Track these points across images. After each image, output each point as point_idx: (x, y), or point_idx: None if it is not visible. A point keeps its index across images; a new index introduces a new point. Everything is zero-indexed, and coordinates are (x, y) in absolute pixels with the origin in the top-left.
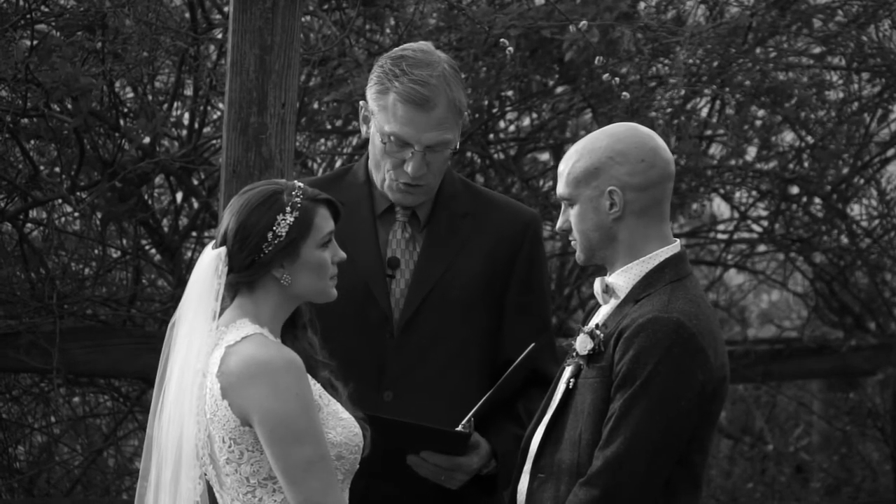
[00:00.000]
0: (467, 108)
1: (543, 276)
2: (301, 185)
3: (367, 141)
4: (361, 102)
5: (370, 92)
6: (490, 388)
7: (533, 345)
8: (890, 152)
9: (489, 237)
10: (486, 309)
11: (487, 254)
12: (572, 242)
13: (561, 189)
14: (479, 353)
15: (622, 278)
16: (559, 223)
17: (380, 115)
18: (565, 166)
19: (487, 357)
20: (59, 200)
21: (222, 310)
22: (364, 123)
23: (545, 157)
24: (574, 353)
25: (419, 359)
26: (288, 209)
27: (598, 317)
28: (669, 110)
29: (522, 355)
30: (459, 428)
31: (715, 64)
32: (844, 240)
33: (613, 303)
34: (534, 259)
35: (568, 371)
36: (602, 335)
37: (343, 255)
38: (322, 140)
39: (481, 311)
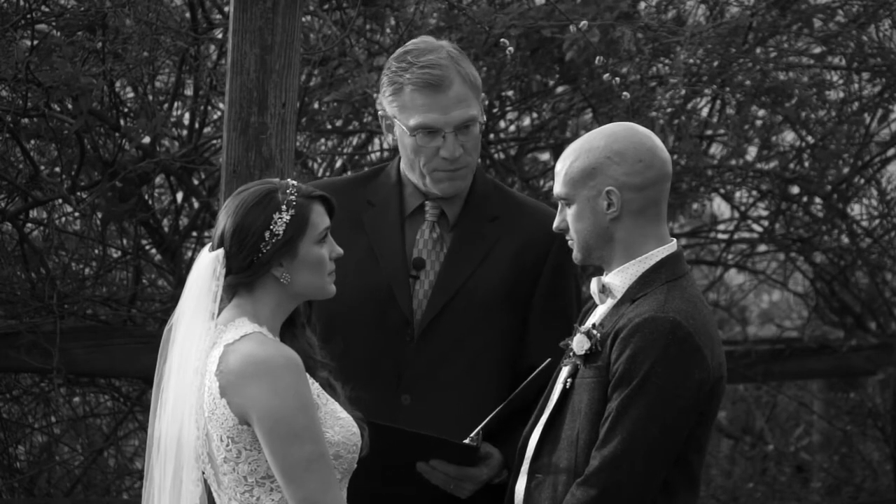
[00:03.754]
0: (482, 86)
1: (571, 284)
2: (295, 182)
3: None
4: (380, 113)
5: (385, 100)
6: (506, 396)
7: (549, 360)
8: (890, 152)
9: (517, 241)
10: (509, 313)
11: (514, 258)
12: (569, 242)
13: (558, 189)
14: (500, 357)
15: (619, 278)
16: (556, 223)
17: (401, 115)
18: (562, 166)
19: (508, 362)
20: (60, 200)
21: (220, 310)
22: (388, 132)
23: (545, 157)
24: (571, 353)
25: (438, 362)
26: (283, 207)
27: (595, 317)
28: (670, 110)
29: (537, 370)
30: (467, 441)
31: (715, 64)
32: (845, 240)
33: (610, 303)
34: (562, 266)
35: (565, 371)
36: (599, 335)
37: (340, 250)
38: (322, 140)
39: (504, 316)
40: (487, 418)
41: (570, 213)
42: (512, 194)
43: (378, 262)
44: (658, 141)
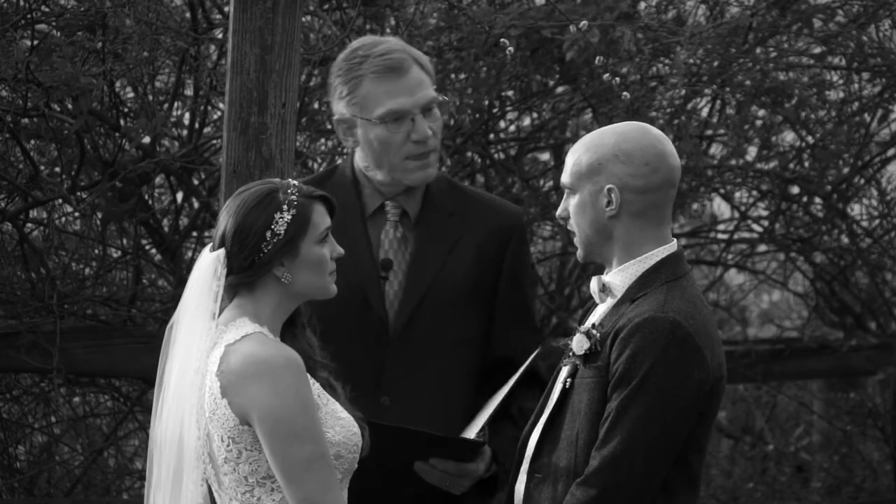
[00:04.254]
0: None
1: (529, 273)
2: (296, 182)
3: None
4: (335, 118)
5: (341, 102)
6: (489, 392)
7: (539, 350)
8: (890, 152)
9: (477, 236)
10: (478, 308)
11: (476, 253)
12: (573, 237)
13: (564, 177)
14: (473, 353)
15: (618, 277)
16: (559, 210)
17: (364, 110)
18: (572, 157)
19: (480, 357)
20: (60, 200)
21: (221, 310)
22: (349, 136)
23: (546, 157)
24: (570, 353)
25: (416, 362)
26: (285, 207)
27: (595, 316)
28: (670, 110)
29: (529, 360)
30: (473, 436)
31: (715, 64)
32: (845, 240)
33: (610, 302)
34: (521, 256)
35: (565, 371)
36: (598, 335)
37: (341, 250)
38: (322, 140)
39: (474, 311)
40: (490, 412)
41: (572, 203)
42: (466, 189)
43: (347, 266)
44: (670, 147)
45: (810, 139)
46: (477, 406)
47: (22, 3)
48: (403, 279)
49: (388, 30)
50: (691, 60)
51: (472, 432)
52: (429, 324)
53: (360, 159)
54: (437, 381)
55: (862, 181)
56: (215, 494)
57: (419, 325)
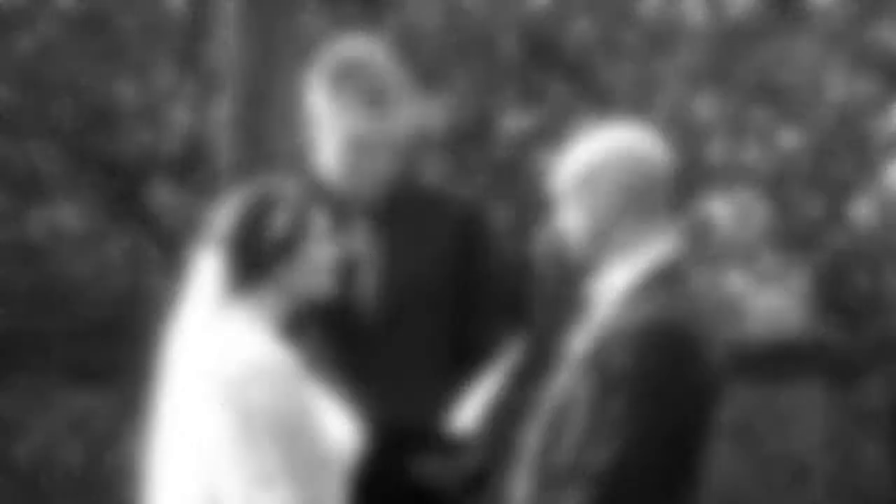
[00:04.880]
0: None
1: (499, 260)
2: (296, 183)
3: None
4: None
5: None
6: (467, 383)
7: (524, 343)
8: (890, 152)
9: (445, 227)
10: (454, 298)
11: (448, 243)
12: (569, 240)
13: (556, 187)
14: (452, 343)
15: (618, 278)
16: (553, 221)
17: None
18: (560, 165)
19: (457, 346)
20: (60, 200)
21: (220, 311)
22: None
23: (545, 157)
24: (571, 354)
25: (402, 356)
26: (285, 207)
27: (595, 317)
28: (670, 111)
29: (516, 353)
30: (468, 432)
31: (715, 64)
32: (845, 240)
33: (610, 303)
34: (490, 244)
35: (565, 371)
36: (599, 335)
37: (341, 250)
38: None
39: (450, 301)
40: (481, 407)
41: (566, 212)
42: (426, 184)
43: None
44: (660, 144)
45: (810, 139)
46: (456, 395)
47: (22, 3)
48: (380, 273)
49: (388, 30)
50: (691, 61)
51: (465, 427)
52: (409, 316)
53: (321, 154)
54: (420, 373)
55: (862, 181)
56: (215, 494)
57: (400, 317)
